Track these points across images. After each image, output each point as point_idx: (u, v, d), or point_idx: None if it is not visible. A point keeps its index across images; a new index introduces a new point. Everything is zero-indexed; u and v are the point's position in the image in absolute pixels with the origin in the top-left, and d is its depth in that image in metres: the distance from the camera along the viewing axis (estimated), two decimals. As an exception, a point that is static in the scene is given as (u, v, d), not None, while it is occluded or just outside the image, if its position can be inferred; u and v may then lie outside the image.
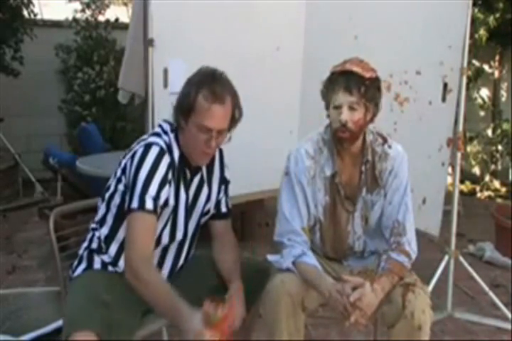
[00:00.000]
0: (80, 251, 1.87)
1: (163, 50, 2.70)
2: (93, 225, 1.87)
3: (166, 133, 1.77)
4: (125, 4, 6.23)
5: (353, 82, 1.76)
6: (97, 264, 1.80)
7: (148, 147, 1.70)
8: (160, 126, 1.81)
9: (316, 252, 1.95)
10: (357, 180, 1.90)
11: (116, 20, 5.84)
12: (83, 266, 1.81)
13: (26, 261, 3.59)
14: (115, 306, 1.66)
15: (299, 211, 1.89)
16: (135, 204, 1.64)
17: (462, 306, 2.98)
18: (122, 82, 3.69)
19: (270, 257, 1.92)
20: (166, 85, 2.74)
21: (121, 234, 1.77)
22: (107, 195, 1.80)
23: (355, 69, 1.77)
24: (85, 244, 1.86)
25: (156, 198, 1.66)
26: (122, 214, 1.73)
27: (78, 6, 5.85)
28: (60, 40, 5.67)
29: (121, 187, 1.74)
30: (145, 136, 1.79)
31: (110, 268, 1.80)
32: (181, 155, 1.76)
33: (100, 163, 3.76)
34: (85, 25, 5.73)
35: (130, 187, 1.67)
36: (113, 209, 1.79)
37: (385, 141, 1.92)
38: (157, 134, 1.77)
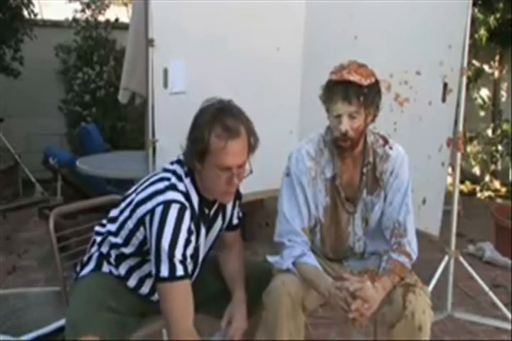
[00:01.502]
0: (91, 251, 1.83)
1: (164, 50, 2.70)
2: (98, 238, 1.82)
3: (180, 179, 1.66)
4: (125, 4, 6.21)
5: (352, 92, 1.75)
6: (105, 268, 1.79)
7: (167, 206, 1.58)
8: (174, 172, 1.68)
9: (316, 253, 1.94)
10: (357, 182, 1.90)
11: (116, 20, 5.84)
12: (91, 266, 1.79)
13: (26, 261, 3.59)
14: (119, 308, 1.67)
15: (299, 211, 1.89)
16: (165, 272, 1.55)
17: (462, 306, 2.98)
18: (126, 82, 3.70)
19: (270, 258, 1.92)
20: (166, 85, 2.74)
21: (131, 261, 1.74)
22: (124, 234, 1.71)
23: (353, 78, 1.75)
24: (95, 247, 1.82)
25: (184, 260, 1.58)
26: (139, 252, 1.70)
27: (78, 6, 5.85)
28: (60, 40, 5.66)
29: (140, 235, 1.66)
30: (161, 186, 1.63)
31: None
32: (199, 199, 1.68)
33: (100, 163, 3.76)
34: (85, 25, 5.72)
35: (154, 253, 1.57)
36: (131, 245, 1.72)
37: (386, 142, 1.92)
38: (173, 187, 1.63)
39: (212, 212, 1.78)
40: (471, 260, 3.35)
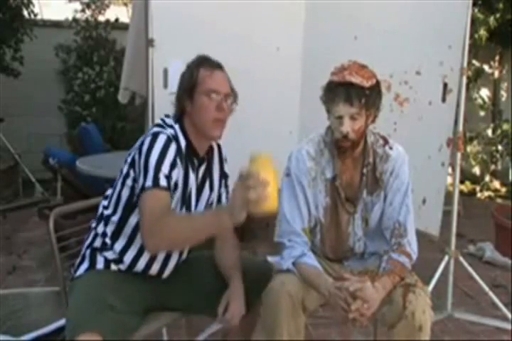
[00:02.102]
0: (83, 250, 1.85)
1: (163, 50, 2.70)
2: (94, 224, 1.86)
3: (170, 126, 1.78)
4: (125, 4, 6.23)
5: (354, 94, 1.74)
6: (99, 264, 1.79)
7: (155, 136, 1.70)
8: (162, 120, 1.82)
9: (317, 253, 1.94)
10: (358, 182, 1.90)
11: (116, 20, 5.85)
12: (85, 265, 1.80)
13: (26, 261, 3.59)
14: (118, 307, 1.66)
15: (299, 212, 1.89)
16: (149, 182, 1.62)
17: (462, 306, 2.98)
18: (126, 82, 3.69)
19: (270, 258, 1.92)
20: (166, 85, 2.74)
21: (127, 230, 1.77)
22: (115, 195, 1.79)
23: (355, 80, 1.75)
24: (87, 242, 1.85)
25: (168, 176, 1.65)
26: (129, 210, 1.74)
27: (78, 6, 5.87)
28: (60, 40, 5.68)
29: (129, 182, 1.73)
30: (150, 131, 1.78)
31: (113, 266, 1.80)
32: (188, 145, 1.77)
33: (100, 163, 3.76)
34: (85, 25, 5.73)
35: (142, 171, 1.65)
36: (120, 208, 1.78)
37: (386, 142, 1.92)
38: (160, 126, 1.77)
39: (202, 168, 1.83)
40: (471, 260, 3.35)
